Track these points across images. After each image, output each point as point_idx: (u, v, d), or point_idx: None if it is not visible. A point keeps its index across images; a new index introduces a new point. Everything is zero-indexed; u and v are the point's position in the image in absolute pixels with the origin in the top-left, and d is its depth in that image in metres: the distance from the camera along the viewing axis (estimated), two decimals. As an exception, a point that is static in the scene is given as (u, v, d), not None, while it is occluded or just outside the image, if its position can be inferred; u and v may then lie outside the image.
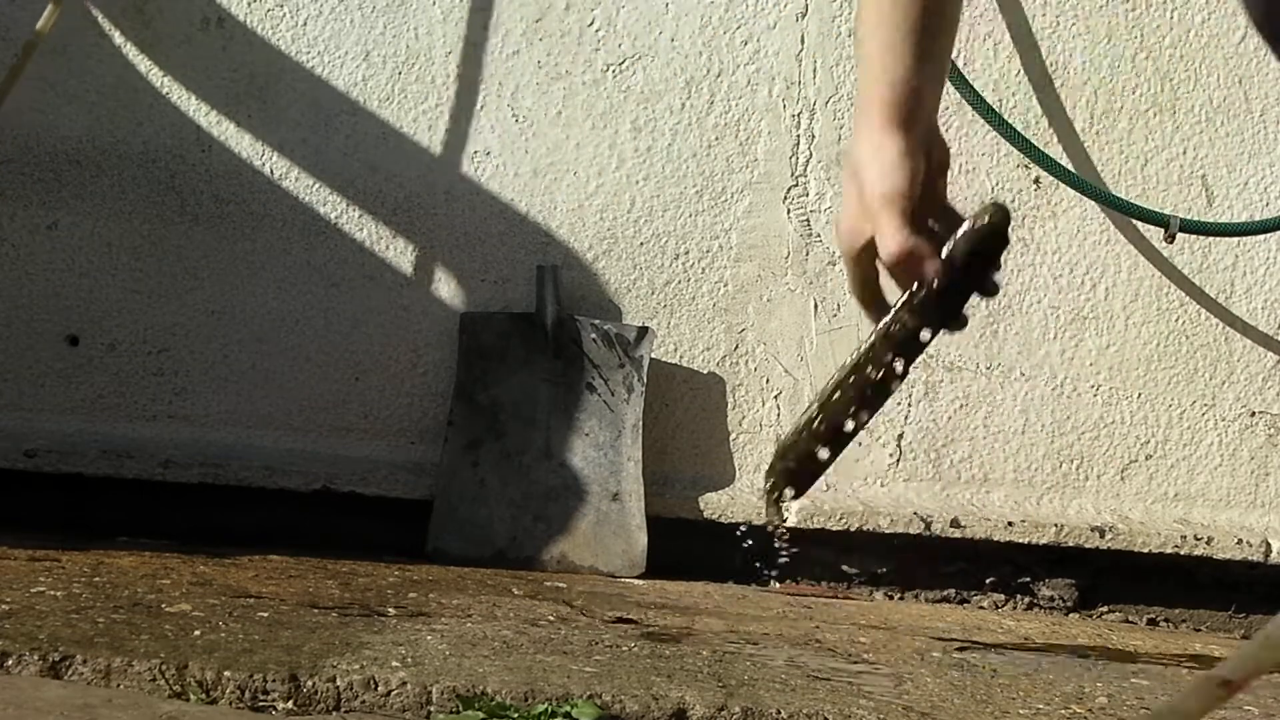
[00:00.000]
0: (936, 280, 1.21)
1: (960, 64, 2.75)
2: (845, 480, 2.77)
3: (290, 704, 1.60)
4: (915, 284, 1.23)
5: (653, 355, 2.70)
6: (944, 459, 2.80)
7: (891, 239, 1.19)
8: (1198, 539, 2.77)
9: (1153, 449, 2.84)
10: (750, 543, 2.52)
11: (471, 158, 2.74)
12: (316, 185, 2.72)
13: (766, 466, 1.37)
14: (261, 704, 1.60)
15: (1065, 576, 2.79)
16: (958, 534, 2.72)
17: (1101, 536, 2.74)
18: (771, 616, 2.32)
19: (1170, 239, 2.77)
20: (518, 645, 1.87)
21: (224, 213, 2.71)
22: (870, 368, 1.27)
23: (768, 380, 2.78)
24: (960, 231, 1.21)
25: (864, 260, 1.25)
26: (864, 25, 1.24)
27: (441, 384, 2.72)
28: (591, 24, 2.76)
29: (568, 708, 1.61)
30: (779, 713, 1.67)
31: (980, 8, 2.80)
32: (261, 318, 2.71)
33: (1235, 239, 2.83)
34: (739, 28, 2.77)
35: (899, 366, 1.26)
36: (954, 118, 2.79)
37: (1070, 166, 2.79)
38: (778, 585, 2.68)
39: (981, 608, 2.76)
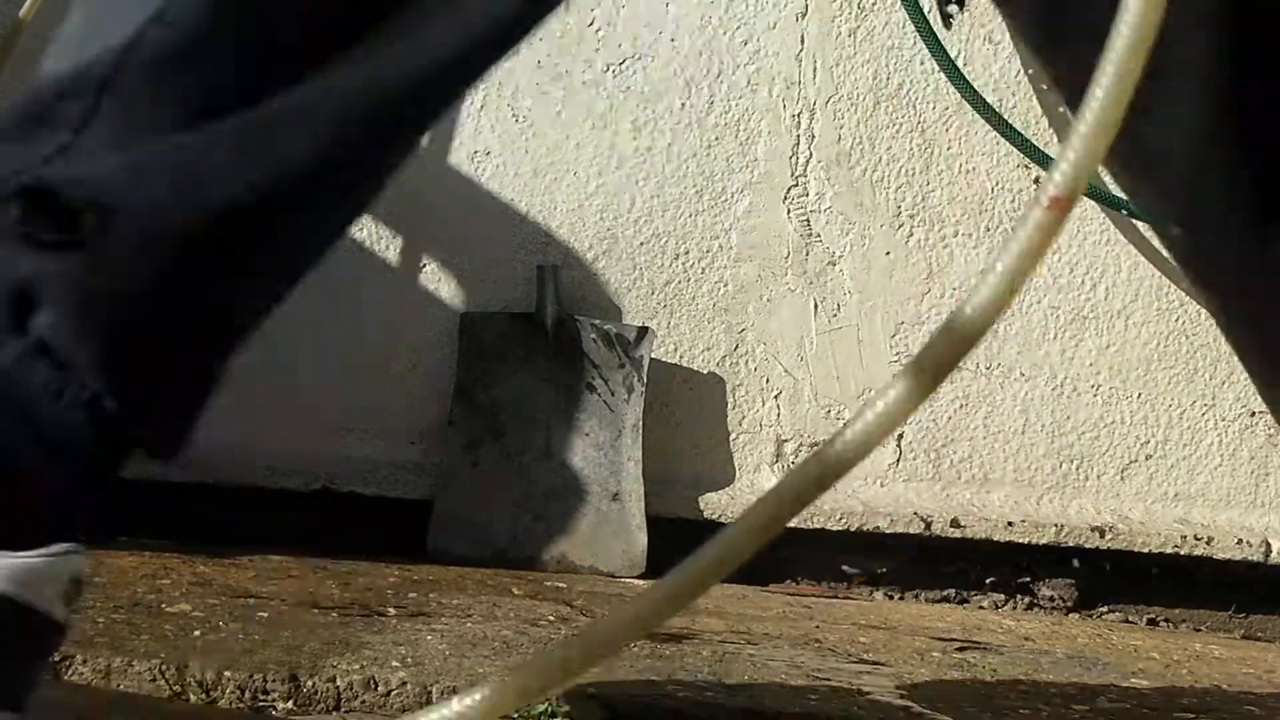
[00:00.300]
0: None
1: (960, 64, 2.75)
2: (845, 480, 2.76)
3: (290, 704, 1.60)
4: None
5: (653, 355, 2.70)
6: (944, 459, 2.80)
7: None
8: (1198, 539, 2.77)
9: (1153, 449, 2.84)
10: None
11: (471, 158, 2.74)
12: (316, 185, 2.72)
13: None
14: (261, 704, 1.60)
15: (1065, 576, 2.79)
16: (958, 534, 2.72)
17: (1101, 536, 2.74)
18: (771, 616, 2.32)
19: (1170, 239, 2.76)
20: (518, 645, 1.87)
21: (224, 213, 2.70)
22: None
23: (768, 380, 2.78)
24: None
25: None
26: None
27: (441, 384, 2.72)
28: (591, 24, 2.76)
29: (568, 708, 1.61)
30: (779, 713, 1.67)
31: (980, 8, 2.80)
32: (261, 318, 2.71)
33: (1235, 239, 2.83)
34: (739, 28, 2.77)
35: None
36: (954, 118, 2.79)
37: (1070, 166, 2.78)
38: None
39: (981, 608, 2.76)
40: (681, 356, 2.77)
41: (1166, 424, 2.84)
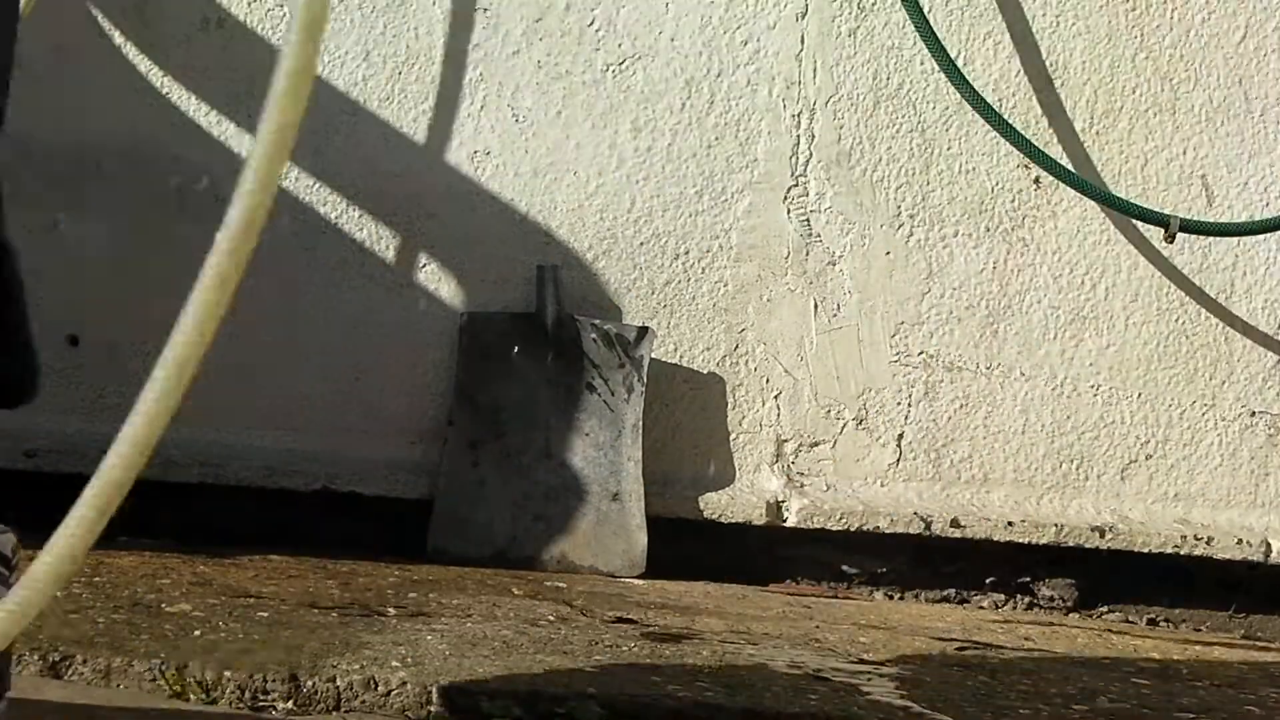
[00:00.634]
0: None
1: (960, 64, 2.75)
2: (845, 480, 2.77)
3: (290, 704, 1.60)
4: None
5: (653, 355, 2.70)
6: (944, 459, 2.80)
7: None
8: (1198, 539, 2.77)
9: (1153, 449, 2.84)
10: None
11: (471, 158, 2.74)
12: (316, 185, 2.72)
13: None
14: (261, 704, 1.60)
15: (1065, 576, 2.79)
16: (958, 534, 2.72)
17: (1101, 536, 2.74)
18: (771, 616, 2.32)
19: (1170, 239, 2.77)
20: (518, 645, 1.87)
21: (224, 213, 2.70)
22: None
23: (768, 380, 2.78)
24: None
25: None
26: None
27: (441, 384, 2.72)
28: (591, 24, 2.76)
29: (568, 707, 1.61)
30: (779, 713, 1.67)
31: (980, 8, 2.80)
32: (261, 318, 2.71)
33: (1235, 239, 2.83)
34: (739, 28, 2.77)
35: None
36: (954, 118, 2.79)
37: (1070, 166, 2.79)
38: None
39: (981, 608, 2.76)
40: (681, 356, 2.77)
41: (1166, 424, 2.84)
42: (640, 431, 2.66)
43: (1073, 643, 2.35)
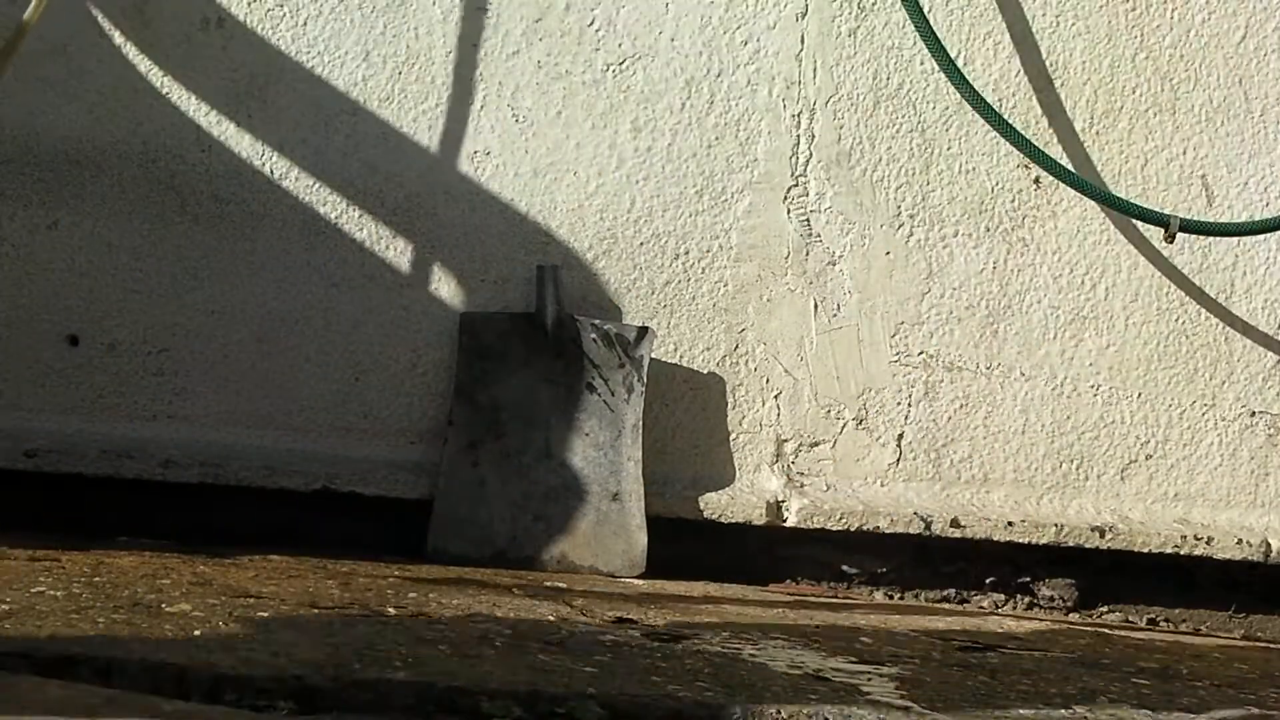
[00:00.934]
0: None
1: (960, 64, 2.75)
2: (845, 480, 2.77)
3: (291, 704, 1.60)
4: None
5: (653, 355, 2.70)
6: (944, 459, 2.80)
7: None
8: (1198, 539, 2.77)
9: (1153, 449, 2.84)
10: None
11: (471, 158, 2.74)
12: (316, 185, 2.72)
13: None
14: (262, 704, 1.60)
15: (1065, 576, 2.79)
16: (958, 534, 2.73)
17: (1101, 536, 2.75)
18: (771, 616, 2.32)
19: (1170, 239, 2.77)
20: (518, 645, 1.87)
21: (224, 213, 2.71)
22: None
23: (768, 380, 2.78)
24: None
25: None
26: None
27: (441, 384, 2.72)
28: (591, 24, 2.76)
29: (568, 707, 1.61)
30: (779, 713, 1.67)
31: (980, 8, 2.80)
32: (261, 318, 2.71)
33: (1235, 239, 2.83)
34: (739, 28, 2.77)
35: None
36: (954, 118, 2.79)
37: (1070, 166, 2.79)
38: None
39: (981, 608, 2.76)
40: (681, 356, 2.77)
41: (1166, 424, 2.84)
42: (640, 431, 2.66)
43: (1073, 643, 2.35)
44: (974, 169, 2.81)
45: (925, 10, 2.73)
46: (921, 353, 2.80)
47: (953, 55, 2.74)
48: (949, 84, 2.74)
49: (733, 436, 2.78)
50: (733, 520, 2.70)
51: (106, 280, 2.69)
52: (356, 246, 2.73)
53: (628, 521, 2.63)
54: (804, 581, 2.75)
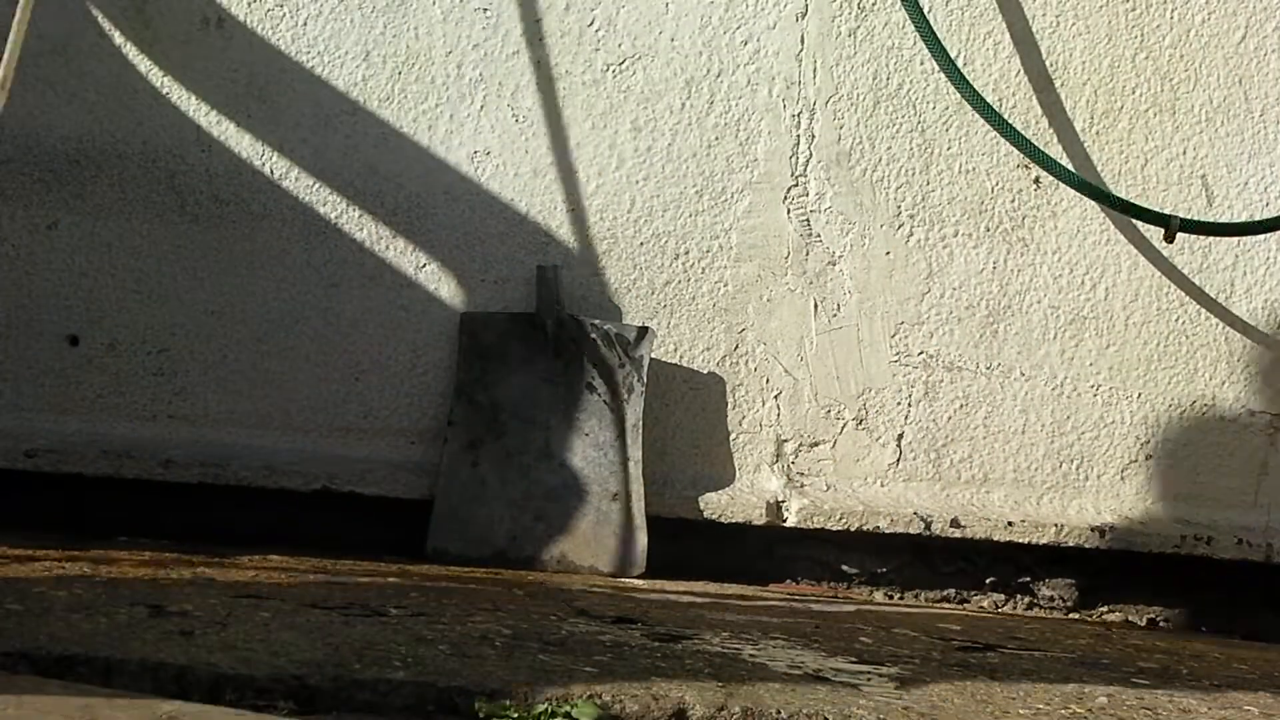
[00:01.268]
0: None
1: (960, 64, 2.75)
2: (845, 480, 2.77)
3: (291, 703, 1.60)
4: None
5: (653, 355, 2.70)
6: (944, 459, 2.80)
7: None
8: (1198, 539, 2.77)
9: (1153, 449, 2.84)
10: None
11: (471, 158, 2.75)
12: (316, 185, 2.72)
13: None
14: (262, 704, 1.60)
15: (1065, 576, 2.79)
16: (958, 534, 2.73)
17: (1101, 536, 2.75)
18: (772, 617, 2.32)
19: (1170, 239, 2.77)
20: (518, 645, 1.87)
21: (224, 213, 2.71)
22: None
23: (768, 380, 2.78)
24: None
25: None
26: None
27: (441, 384, 2.72)
28: (591, 24, 2.76)
29: (568, 707, 1.61)
30: (779, 713, 1.67)
31: (980, 8, 2.80)
32: (261, 318, 2.71)
33: (1235, 239, 2.83)
34: (739, 28, 2.77)
35: None
36: (954, 118, 2.79)
37: (1070, 166, 2.79)
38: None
39: (981, 608, 2.76)
40: (681, 356, 2.77)
41: (1166, 424, 2.84)
42: (640, 431, 2.66)
43: (1073, 643, 2.35)
44: (974, 169, 2.81)
45: (925, 10, 2.73)
46: (921, 353, 2.80)
47: (953, 55, 2.74)
48: (949, 84, 2.74)
49: (733, 436, 2.78)
50: (733, 520, 2.70)
51: (106, 280, 2.70)
52: (356, 246, 2.73)
53: (628, 521, 2.63)
54: (804, 581, 2.75)
